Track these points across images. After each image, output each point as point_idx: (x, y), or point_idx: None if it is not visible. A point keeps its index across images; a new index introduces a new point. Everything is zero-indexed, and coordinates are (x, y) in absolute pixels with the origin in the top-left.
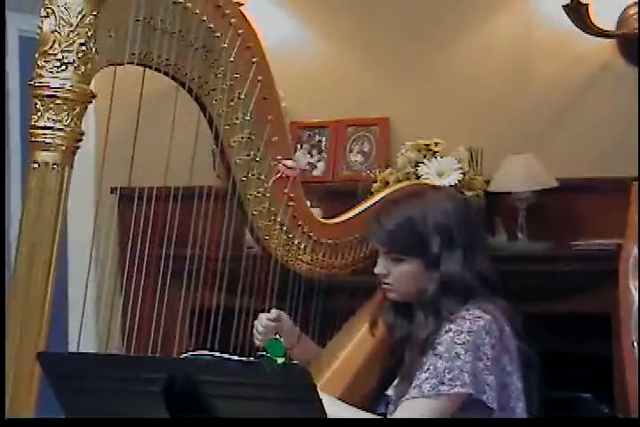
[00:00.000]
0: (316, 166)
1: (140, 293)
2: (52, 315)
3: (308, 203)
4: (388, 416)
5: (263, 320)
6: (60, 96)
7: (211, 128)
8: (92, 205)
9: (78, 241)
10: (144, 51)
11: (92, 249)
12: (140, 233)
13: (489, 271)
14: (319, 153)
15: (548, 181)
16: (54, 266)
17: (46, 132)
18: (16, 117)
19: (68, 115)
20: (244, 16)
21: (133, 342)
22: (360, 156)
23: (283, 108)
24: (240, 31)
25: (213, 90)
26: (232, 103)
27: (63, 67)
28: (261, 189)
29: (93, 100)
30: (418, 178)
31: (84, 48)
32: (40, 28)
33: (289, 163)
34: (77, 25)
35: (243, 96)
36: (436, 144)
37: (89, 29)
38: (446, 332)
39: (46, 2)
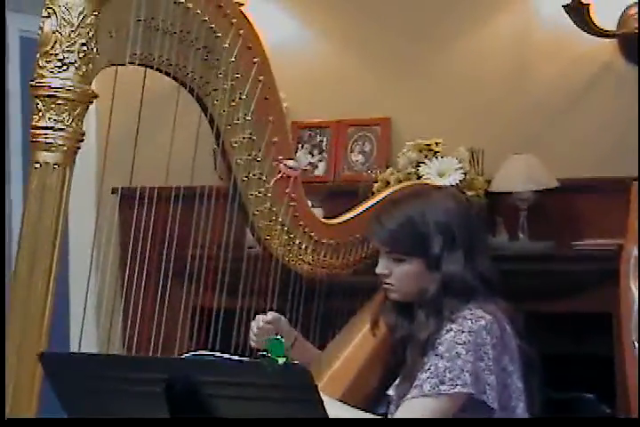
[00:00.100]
0: (316, 166)
1: (142, 292)
2: (52, 315)
3: (309, 203)
4: (389, 416)
5: (259, 322)
6: (61, 96)
7: (212, 128)
8: (93, 205)
9: (79, 241)
10: (145, 51)
11: (93, 249)
12: (142, 233)
13: (490, 271)
14: (320, 153)
15: (549, 182)
16: (55, 266)
17: (47, 132)
18: (17, 118)
19: (69, 115)
20: (245, 16)
21: (134, 342)
22: (361, 156)
23: (284, 108)
24: (241, 31)
25: (214, 90)
26: (233, 103)
27: (64, 67)
28: (262, 190)
29: (94, 101)
30: (419, 178)
31: (85, 48)
32: (41, 28)
33: (290, 163)
34: (78, 25)
35: (244, 96)
36: (436, 144)
37: (90, 30)
38: (447, 332)
39: (47, 2)
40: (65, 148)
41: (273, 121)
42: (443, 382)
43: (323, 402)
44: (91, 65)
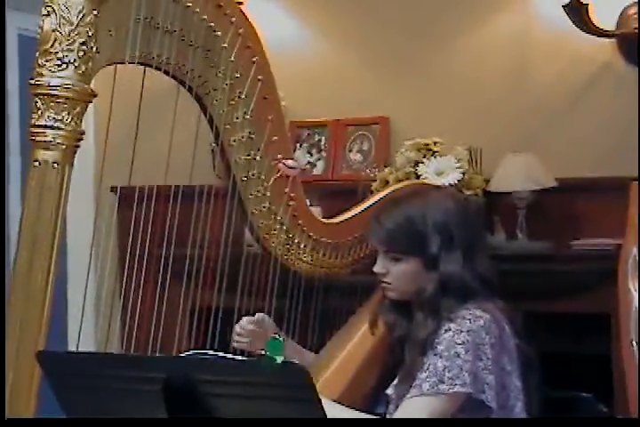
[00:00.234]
0: (315, 165)
1: (140, 292)
2: (51, 314)
3: (308, 202)
4: (388, 416)
5: (243, 323)
6: (60, 95)
7: (211, 127)
8: (92, 203)
9: (78, 240)
10: (144, 50)
11: (92, 248)
12: (140, 232)
13: (489, 271)
14: (318, 152)
15: (548, 181)
16: (54, 264)
17: (47, 130)
18: (15, 116)
19: (68, 114)
20: (244, 15)
21: (133, 341)
22: (359, 155)
23: (283, 107)
24: (240, 30)
25: (214, 89)
26: (232, 102)
27: (64, 66)
28: (261, 189)
29: (94, 99)
30: (417, 177)
31: (84, 47)
32: (41, 26)
33: (289, 162)
34: (78, 24)
35: (243, 95)
36: (435, 143)
37: (89, 28)
38: (446, 331)
39: (47, 0)
40: (64, 146)
41: (272, 120)
42: (442, 382)
43: (321, 401)
44: (90, 64)
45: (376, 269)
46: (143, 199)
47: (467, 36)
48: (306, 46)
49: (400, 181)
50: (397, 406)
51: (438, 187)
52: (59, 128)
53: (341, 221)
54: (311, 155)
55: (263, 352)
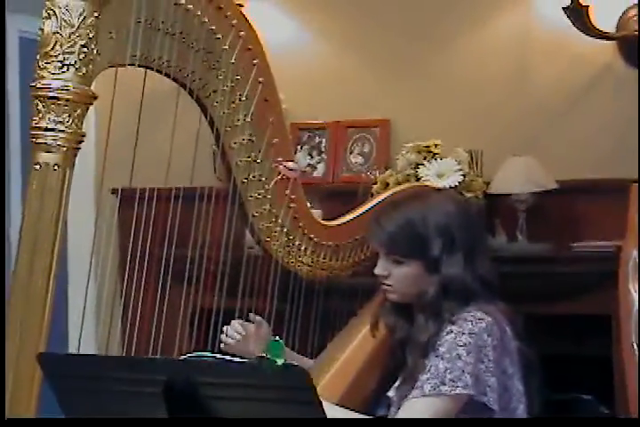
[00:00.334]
0: (315, 168)
1: (141, 294)
2: (52, 316)
3: (308, 204)
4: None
5: (234, 325)
6: (61, 97)
7: (212, 130)
8: (93, 206)
9: (78, 242)
10: (145, 52)
11: (93, 250)
12: (141, 234)
13: (490, 274)
14: (319, 154)
15: (548, 183)
16: (55, 267)
17: (47, 133)
18: (16, 119)
19: (69, 116)
20: (244, 18)
21: (134, 343)
22: (360, 157)
23: (283, 109)
24: (241, 33)
25: (214, 91)
26: (233, 105)
27: (64, 68)
28: (262, 191)
29: (94, 102)
30: (418, 180)
31: (85, 49)
32: (41, 29)
33: (290, 164)
34: (79, 26)
35: (244, 98)
36: (435, 146)
37: (90, 31)
38: (448, 333)
39: (48, 3)
40: (65, 149)
41: (273, 122)
42: (443, 383)
43: (322, 403)
44: (91, 66)
45: (377, 271)
46: (144, 201)
47: (467, 38)
48: (306, 48)
49: (400, 183)
50: (399, 409)
51: (439, 189)
52: (59, 130)
53: (342, 224)
54: (312, 157)
55: (263, 354)
